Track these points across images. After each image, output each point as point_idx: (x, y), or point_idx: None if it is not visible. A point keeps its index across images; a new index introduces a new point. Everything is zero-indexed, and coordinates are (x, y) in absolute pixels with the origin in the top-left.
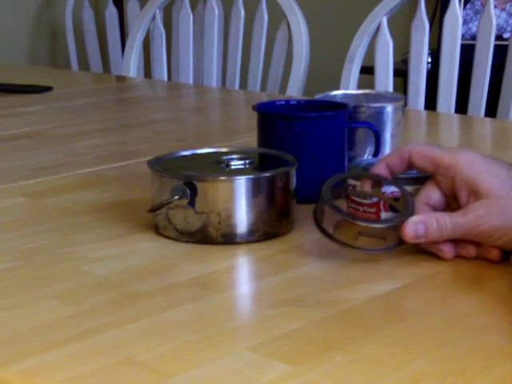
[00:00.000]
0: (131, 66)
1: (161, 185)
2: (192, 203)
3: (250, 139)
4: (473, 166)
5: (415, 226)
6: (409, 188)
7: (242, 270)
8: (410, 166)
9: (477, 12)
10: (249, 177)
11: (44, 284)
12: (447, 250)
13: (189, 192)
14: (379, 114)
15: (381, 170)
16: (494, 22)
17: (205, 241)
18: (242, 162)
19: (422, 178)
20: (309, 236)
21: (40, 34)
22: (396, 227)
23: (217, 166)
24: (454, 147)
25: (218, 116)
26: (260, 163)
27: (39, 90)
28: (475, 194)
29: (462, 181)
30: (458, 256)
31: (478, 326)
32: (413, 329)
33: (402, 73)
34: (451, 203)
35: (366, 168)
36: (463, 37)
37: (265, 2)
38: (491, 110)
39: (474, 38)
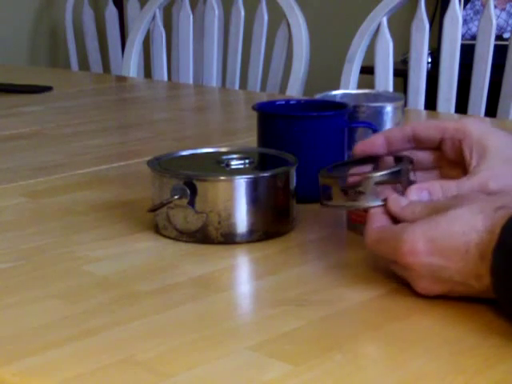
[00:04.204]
0: (131, 66)
1: (161, 185)
2: (192, 203)
3: (250, 139)
4: (481, 127)
5: (418, 192)
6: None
7: (242, 270)
8: (413, 141)
9: (477, 12)
10: (249, 177)
11: (44, 284)
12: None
13: (189, 192)
14: (379, 113)
15: (378, 141)
16: (494, 22)
17: (205, 240)
18: (242, 161)
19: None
20: (309, 236)
21: (40, 34)
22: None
23: (217, 165)
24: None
25: (218, 116)
26: (260, 163)
27: (39, 89)
28: (482, 153)
29: (470, 140)
30: None
31: (478, 325)
32: (413, 328)
33: (402, 73)
34: (452, 171)
35: (365, 159)
36: (463, 37)
37: (265, 2)
38: (491, 110)
39: (474, 37)
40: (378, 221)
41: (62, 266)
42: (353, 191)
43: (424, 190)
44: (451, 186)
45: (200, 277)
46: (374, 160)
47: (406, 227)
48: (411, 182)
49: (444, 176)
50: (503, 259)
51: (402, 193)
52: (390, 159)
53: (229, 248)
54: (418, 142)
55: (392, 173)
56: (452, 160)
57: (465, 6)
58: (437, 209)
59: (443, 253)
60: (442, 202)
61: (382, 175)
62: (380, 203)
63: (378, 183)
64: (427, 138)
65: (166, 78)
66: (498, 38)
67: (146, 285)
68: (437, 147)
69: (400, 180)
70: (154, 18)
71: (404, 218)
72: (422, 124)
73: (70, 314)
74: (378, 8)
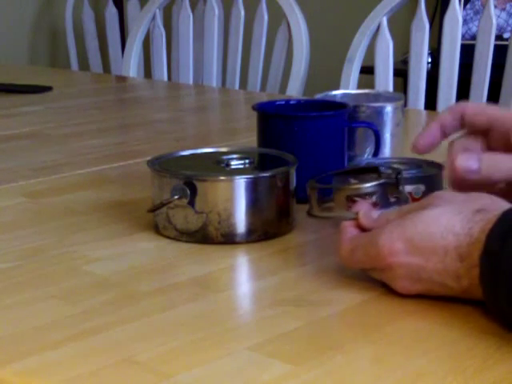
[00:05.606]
0: (131, 65)
1: (161, 185)
2: (192, 203)
3: (250, 139)
4: None
5: (467, 159)
6: (408, 188)
7: (242, 270)
8: (463, 124)
9: (477, 12)
10: (249, 177)
11: (44, 284)
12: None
13: (189, 192)
14: (379, 113)
15: (434, 131)
16: (494, 22)
17: (205, 240)
18: (242, 161)
19: (423, 178)
20: (308, 236)
21: (40, 34)
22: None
23: (217, 165)
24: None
25: (218, 116)
26: (260, 163)
27: (39, 89)
28: None
29: None
30: None
31: (475, 326)
32: (412, 328)
33: (402, 73)
34: None
35: (366, 168)
36: (463, 37)
37: (265, 2)
38: None
39: (474, 38)
40: (350, 232)
41: (62, 265)
42: (327, 203)
43: (472, 157)
44: (504, 158)
45: (200, 277)
46: (373, 170)
47: (381, 230)
48: (388, 197)
49: None
50: (491, 268)
51: (377, 207)
52: (389, 170)
53: (229, 248)
54: (464, 124)
55: (365, 187)
56: (500, 149)
57: (465, 6)
58: (411, 211)
59: (422, 253)
60: (416, 204)
61: (354, 189)
62: (352, 216)
63: (350, 196)
64: (474, 124)
65: (166, 78)
66: (498, 38)
67: (146, 285)
68: (484, 133)
69: (374, 194)
70: (154, 17)
71: (378, 228)
72: (473, 108)
73: (70, 314)
74: (377, 8)
